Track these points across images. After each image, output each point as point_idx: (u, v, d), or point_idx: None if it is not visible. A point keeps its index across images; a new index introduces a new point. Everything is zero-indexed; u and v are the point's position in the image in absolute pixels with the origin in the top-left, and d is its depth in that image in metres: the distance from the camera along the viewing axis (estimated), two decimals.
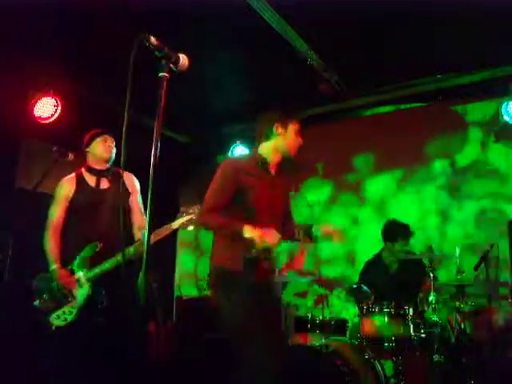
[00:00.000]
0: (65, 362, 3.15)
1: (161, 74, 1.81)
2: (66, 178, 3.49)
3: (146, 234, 1.70)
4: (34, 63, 4.26)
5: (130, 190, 3.53)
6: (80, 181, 3.47)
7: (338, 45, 4.35)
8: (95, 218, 3.31)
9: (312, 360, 3.47)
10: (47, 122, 4.68)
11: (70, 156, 3.57)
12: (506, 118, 4.57)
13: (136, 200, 3.56)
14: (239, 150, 5.89)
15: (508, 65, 4.61)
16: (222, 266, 2.78)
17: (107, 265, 3.19)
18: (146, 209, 1.78)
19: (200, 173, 3.14)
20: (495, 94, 4.82)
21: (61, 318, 3.23)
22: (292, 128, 2.87)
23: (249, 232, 2.59)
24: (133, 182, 3.59)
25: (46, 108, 4.66)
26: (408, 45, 4.31)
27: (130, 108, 1.76)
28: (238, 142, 5.93)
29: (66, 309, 3.25)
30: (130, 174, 3.59)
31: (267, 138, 2.89)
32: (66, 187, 3.44)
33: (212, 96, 5.22)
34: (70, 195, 3.42)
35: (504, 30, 3.95)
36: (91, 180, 3.48)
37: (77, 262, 3.28)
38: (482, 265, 3.96)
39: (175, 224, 3.34)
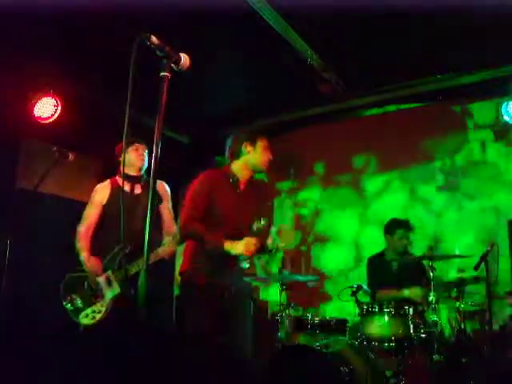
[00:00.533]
0: (89, 361, 3.18)
1: (162, 74, 1.80)
2: (100, 185, 3.60)
3: (147, 234, 1.69)
4: (33, 63, 4.25)
5: (161, 197, 3.58)
6: (114, 187, 3.56)
7: (338, 45, 4.34)
8: (129, 222, 3.28)
9: (312, 360, 3.47)
10: (47, 121, 4.67)
11: (70, 156, 3.59)
12: (506, 117, 4.56)
13: (166, 206, 3.64)
14: None
15: (508, 65, 4.60)
16: (188, 274, 3.03)
17: (136, 267, 3.24)
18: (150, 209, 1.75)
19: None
20: (495, 94, 4.82)
21: (89, 316, 3.27)
22: (260, 145, 3.10)
23: (229, 247, 2.86)
24: (164, 189, 3.66)
25: (46, 108, 4.64)
26: (408, 45, 4.31)
27: (130, 108, 1.76)
28: None
29: (96, 307, 3.29)
30: (161, 181, 3.64)
31: (238, 156, 3.13)
32: (101, 193, 3.55)
33: (212, 96, 5.22)
34: (105, 200, 3.52)
35: (504, 30, 3.95)
36: (125, 186, 3.54)
37: (106, 261, 3.34)
38: (482, 265, 3.95)
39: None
